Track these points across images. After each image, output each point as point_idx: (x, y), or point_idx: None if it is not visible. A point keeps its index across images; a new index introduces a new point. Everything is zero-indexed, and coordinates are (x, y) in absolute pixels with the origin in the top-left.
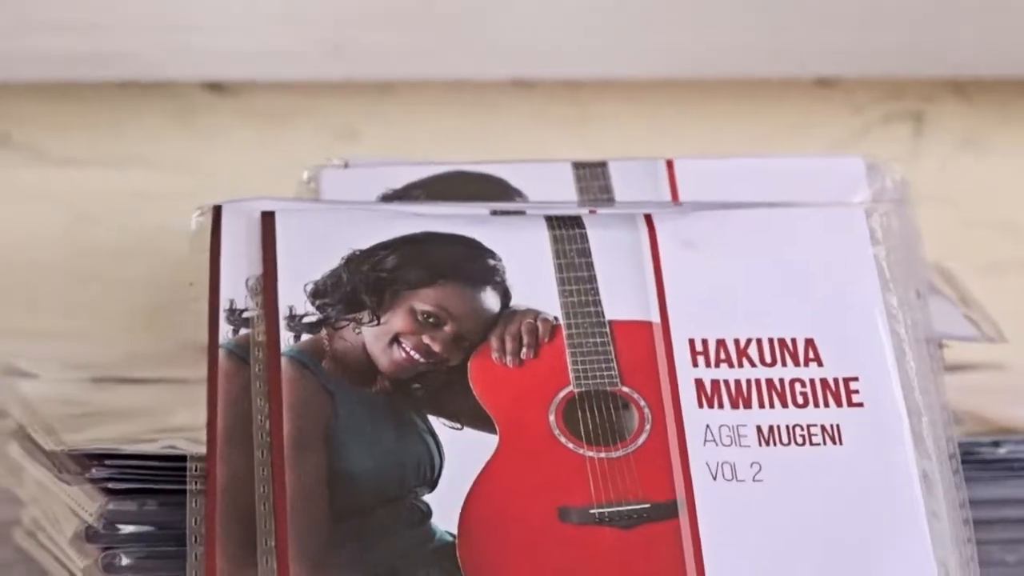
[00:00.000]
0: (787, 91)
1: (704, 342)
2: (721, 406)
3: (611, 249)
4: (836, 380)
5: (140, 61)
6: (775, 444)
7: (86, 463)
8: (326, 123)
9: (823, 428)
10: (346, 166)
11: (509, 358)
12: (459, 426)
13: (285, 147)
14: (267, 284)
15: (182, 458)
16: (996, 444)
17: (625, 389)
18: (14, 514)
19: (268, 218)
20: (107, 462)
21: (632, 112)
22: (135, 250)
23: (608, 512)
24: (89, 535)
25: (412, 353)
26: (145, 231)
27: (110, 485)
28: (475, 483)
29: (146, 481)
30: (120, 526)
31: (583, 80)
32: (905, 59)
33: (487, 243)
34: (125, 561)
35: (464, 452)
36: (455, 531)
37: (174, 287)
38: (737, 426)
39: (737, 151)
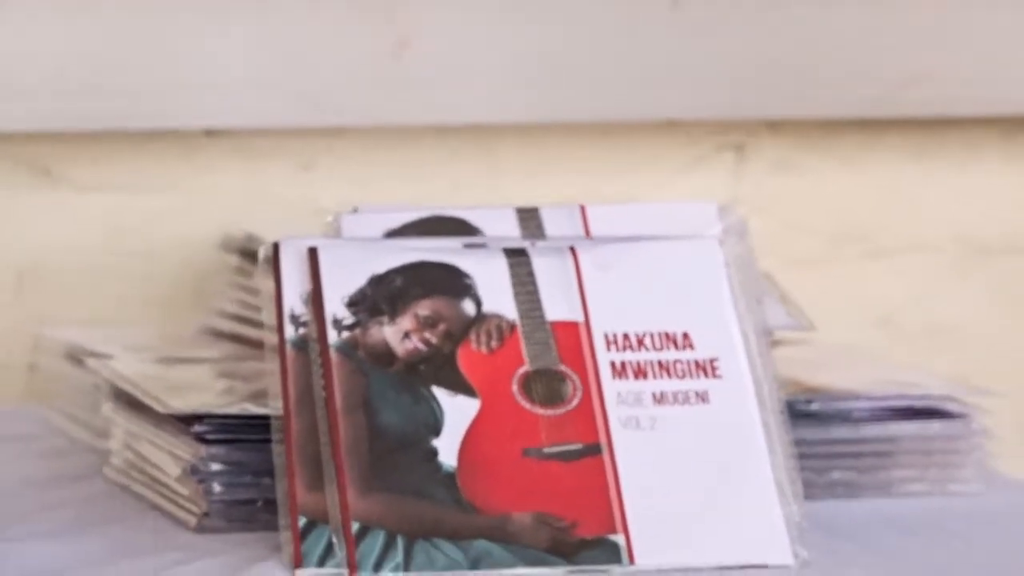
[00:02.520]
0: (643, 131)
1: (614, 335)
2: (627, 378)
3: (548, 271)
4: (704, 360)
5: (152, 114)
6: (665, 404)
7: (185, 422)
8: (290, 158)
9: (696, 393)
10: (355, 211)
11: (484, 347)
12: (453, 394)
13: (261, 175)
14: (315, 298)
15: (258, 417)
16: (808, 401)
17: (562, 368)
18: (94, 461)
19: (313, 251)
20: (204, 421)
21: (516, 151)
22: (157, 256)
23: (555, 451)
24: (193, 471)
25: (418, 344)
26: (163, 241)
27: (207, 437)
28: (466, 432)
29: (231, 433)
30: (213, 465)
31: (480, 124)
32: (731, 106)
33: (463, 268)
34: (217, 488)
35: (457, 411)
36: (455, 464)
37: (190, 286)
38: (639, 392)
39: (605, 179)
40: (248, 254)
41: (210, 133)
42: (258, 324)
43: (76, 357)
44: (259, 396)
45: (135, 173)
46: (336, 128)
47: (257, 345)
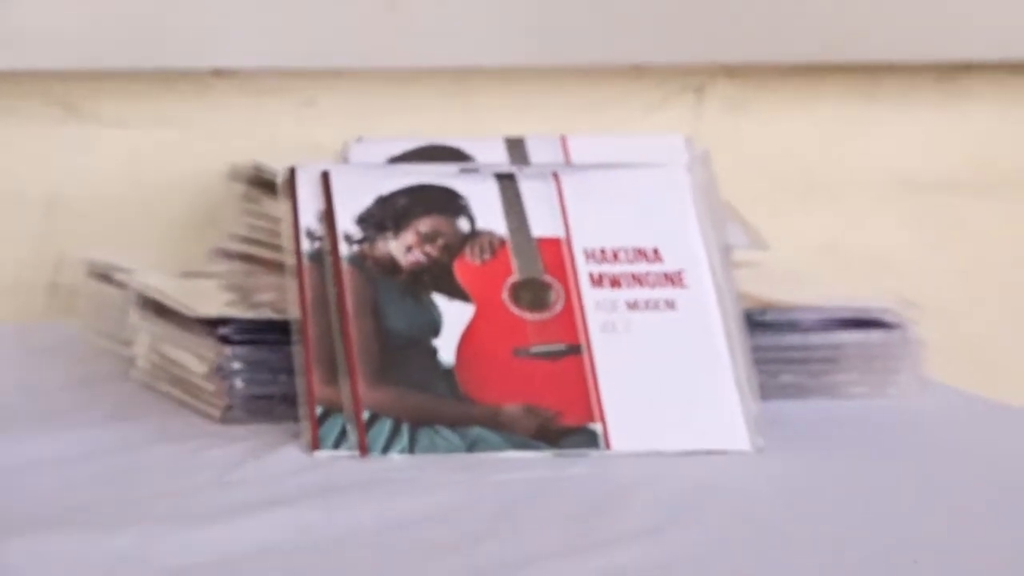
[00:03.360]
0: (613, 74)
1: (593, 249)
2: (604, 287)
3: (534, 193)
4: (672, 272)
5: (166, 55)
6: (637, 310)
7: (210, 325)
8: (293, 96)
9: (665, 301)
10: (360, 140)
11: (478, 259)
12: (451, 300)
13: (266, 112)
14: (328, 216)
15: (277, 322)
16: (763, 312)
17: (547, 278)
18: (119, 366)
19: (326, 175)
20: (228, 324)
21: (498, 92)
22: (172, 185)
23: (542, 350)
24: (217, 369)
25: (419, 257)
26: (177, 172)
27: (230, 338)
28: (463, 334)
29: (253, 333)
30: (236, 363)
31: (454, 68)
32: (691, 52)
33: (459, 190)
34: (239, 385)
35: (455, 315)
36: (453, 361)
37: (202, 212)
38: (614, 300)
39: (578, 118)
40: (255, 183)
41: (218, 73)
42: (265, 245)
43: (100, 274)
44: (262, 305)
45: (151, 110)
46: (335, 70)
47: (264, 263)
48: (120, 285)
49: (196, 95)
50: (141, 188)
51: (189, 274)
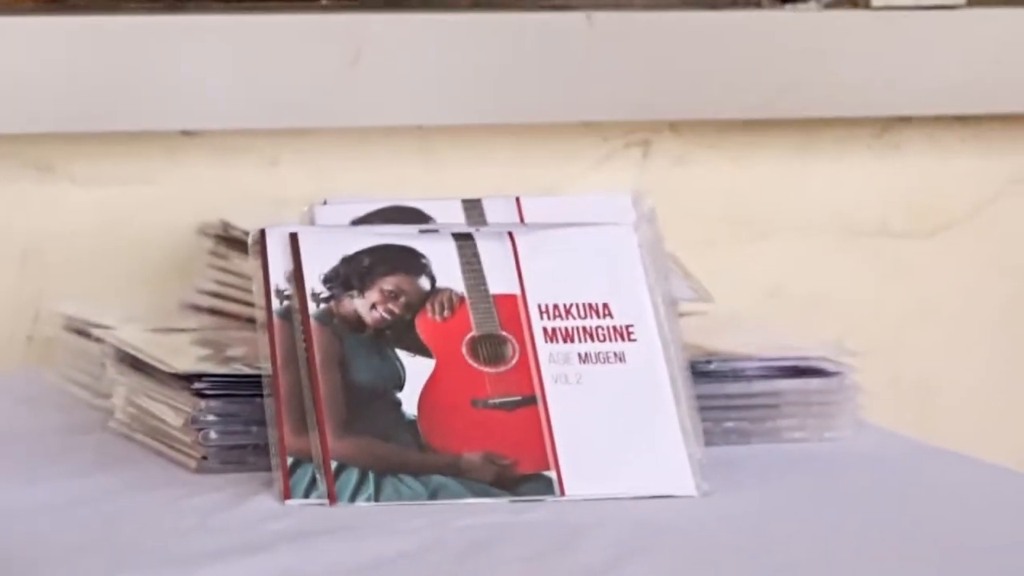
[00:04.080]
0: (564, 130)
1: (546, 305)
2: (557, 342)
3: (490, 252)
4: (621, 326)
5: (138, 117)
6: (589, 363)
7: (185, 380)
8: (259, 155)
9: (615, 353)
10: (325, 203)
11: (438, 316)
12: (413, 355)
13: (233, 170)
14: (297, 275)
15: (247, 376)
16: (708, 361)
17: (503, 333)
18: (97, 416)
19: (294, 236)
20: (203, 378)
21: (456, 148)
22: (143, 241)
23: (499, 402)
24: (193, 421)
25: (383, 314)
26: (148, 228)
27: (205, 392)
28: (424, 387)
29: (226, 387)
30: (211, 416)
31: (413, 126)
32: (638, 109)
33: (420, 250)
34: (214, 436)
35: (417, 369)
36: (416, 413)
37: (172, 266)
38: (567, 353)
39: (531, 173)
40: (223, 239)
41: (187, 133)
42: (233, 300)
43: (76, 328)
44: (234, 360)
45: (123, 168)
46: (299, 129)
47: (233, 317)
48: (97, 339)
49: (165, 155)
50: (113, 243)
51: (162, 329)
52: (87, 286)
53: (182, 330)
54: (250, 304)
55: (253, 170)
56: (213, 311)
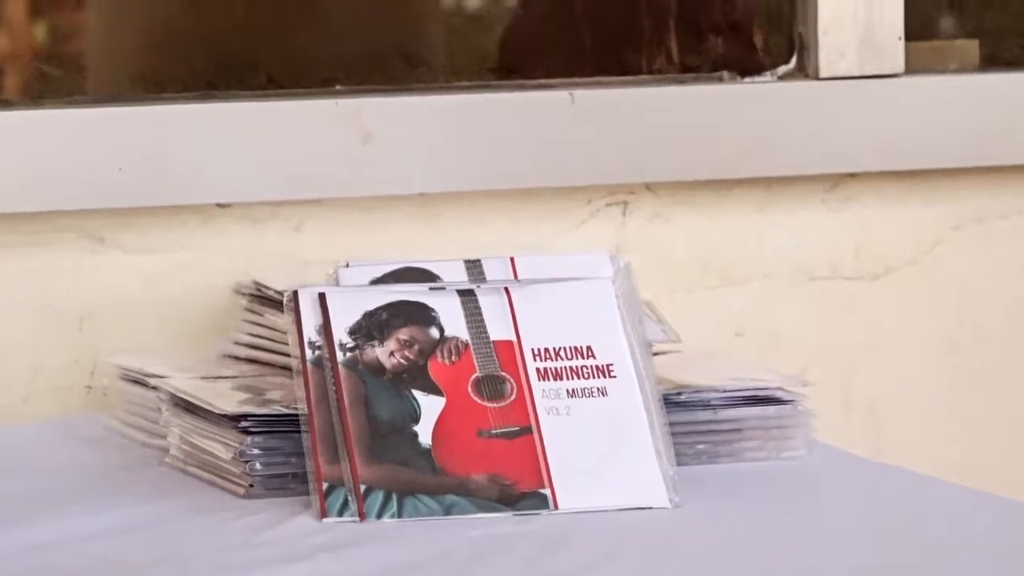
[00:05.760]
0: (551, 193)
1: (539, 349)
2: (549, 380)
3: (489, 305)
4: (603, 365)
5: (178, 192)
6: (576, 397)
7: (233, 420)
8: (284, 223)
9: (598, 388)
10: (348, 265)
11: (447, 360)
12: (426, 394)
13: (262, 236)
14: (326, 329)
15: (286, 415)
16: (679, 393)
17: (502, 373)
18: (153, 454)
19: (322, 296)
20: (248, 418)
21: (456, 212)
22: (185, 300)
23: (500, 432)
24: (240, 455)
25: (400, 360)
26: (189, 289)
27: (250, 429)
28: (437, 420)
29: (268, 425)
30: (256, 450)
31: (418, 193)
32: (617, 173)
33: (430, 304)
34: (259, 466)
35: (430, 406)
36: (430, 443)
37: (211, 322)
38: (557, 389)
39: (522, 231)
40: (256, 297)
41: (221, 205)
42: (267, 350)
43: (131, 378)
44: (273, 402)
45: (166, 237)
46: (318, 199)
47: (268, 365)
48: (153, 387)
49: (202, 224)
50: (158, 303)
51: (208, 377)
52: (136, 342)
53: (224, 377)
54: (282, 353)
55: (279, 236)
56: (250, 360)
